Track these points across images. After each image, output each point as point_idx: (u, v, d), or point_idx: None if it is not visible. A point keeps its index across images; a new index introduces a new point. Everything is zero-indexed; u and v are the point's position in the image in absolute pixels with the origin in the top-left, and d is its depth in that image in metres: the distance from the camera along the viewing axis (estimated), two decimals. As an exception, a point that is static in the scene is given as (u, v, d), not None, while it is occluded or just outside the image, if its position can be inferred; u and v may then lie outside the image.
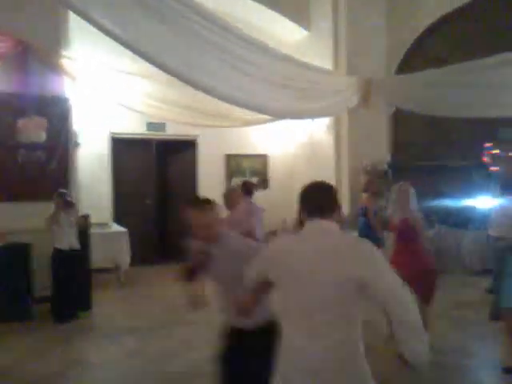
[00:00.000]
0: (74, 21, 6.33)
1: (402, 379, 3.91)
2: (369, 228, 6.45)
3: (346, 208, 8.84)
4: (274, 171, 10.22)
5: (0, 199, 6.39)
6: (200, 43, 3.87)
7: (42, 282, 6.17)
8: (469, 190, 8.37)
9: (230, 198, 5.49)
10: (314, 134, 9.66)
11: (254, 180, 9.48)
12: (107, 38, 3.42)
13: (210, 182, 9.63)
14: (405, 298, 1.91)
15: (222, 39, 3.99)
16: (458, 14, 8.55)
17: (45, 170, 6.66)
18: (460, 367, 4.38)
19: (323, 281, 1.94)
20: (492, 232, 6.31)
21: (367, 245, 2.01)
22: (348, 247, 2.03)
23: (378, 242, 5.23)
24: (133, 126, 9.01)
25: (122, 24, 3.36)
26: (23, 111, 6.37)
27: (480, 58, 5.21)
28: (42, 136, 6.48)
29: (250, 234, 4.61)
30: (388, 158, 9.02)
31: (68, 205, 5.89)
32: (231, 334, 2.60)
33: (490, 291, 6.13)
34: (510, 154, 8.58)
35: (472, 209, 8.28)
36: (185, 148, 9.94)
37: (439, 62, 6.95)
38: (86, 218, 6.51)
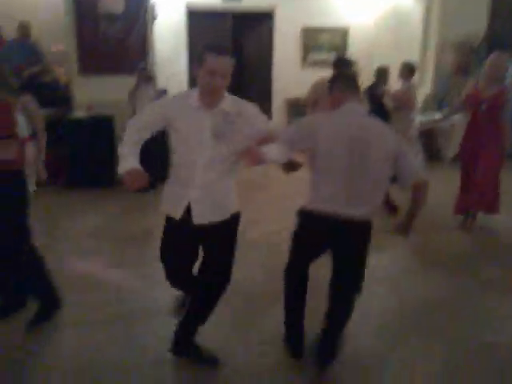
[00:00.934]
0: None
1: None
2: None
3: (428, 89, 8.34)
4: (354, 46, 9.62)
5: (84, 72, 6.66)
6: None
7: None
8: None
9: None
10: (399, 3, 8.82)
11: (332, 56, 9.02)
12: None
13: (287, 56, 9.34)
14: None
15: None
16: None
17: (124, 43, 6.75)
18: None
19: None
20: None
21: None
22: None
23: None
24: (208, -3, 8.70)
25: None
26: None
27: None
28: (120, 7, 6.45)
29: None
30: (484, 30, 8.13)
31: (148, 78, 6.03)
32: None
33: None
34: None
35: None
36: (261, 21, 9.51)
37: None
38: (163, 92, 6.66)
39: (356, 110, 2.49)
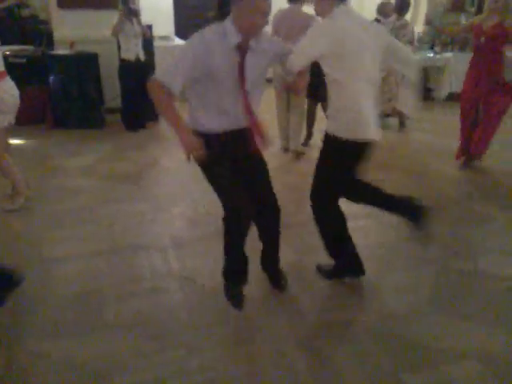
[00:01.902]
0: None
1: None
2: None
3: (420, 27, 8.12)
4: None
5: (64, 5, 6.31)
6: None
7: (110, 93, 6.39)
8: None
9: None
10: None
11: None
12: None
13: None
14: (414, 61, 2.68)
15: None
16: None
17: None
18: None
19: (373, 50, 2.42)
20: None
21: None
22: (375, 25, 2.71)
23: None
24: None
25: None
26: None
27: None
28: None
29: None
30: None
31: (133, 12, 5.72)
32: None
33: None
34: None
35: None
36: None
37: None
38: (149, 28, 6.38)
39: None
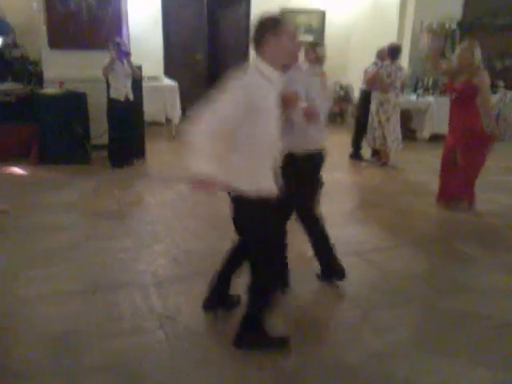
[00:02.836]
0: None
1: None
2: None
3: (405, 71, 8.38)
4: (331, 30, 9.59)
5: (55, 46, 6.43)
6: None
7: (97, 130, 6.43)
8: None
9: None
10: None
11: (309, 39, 8.98)
12: None
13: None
14: None
15: None
16: None
17: (97, 18, 6.54)
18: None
19: None
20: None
21: None
22: None
23: None
24: (183, -27, 8.50)
25: None
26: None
27: None
28: (92, -21, 6.25)
29: None
30: (458, 15, 8.21)
31: (123, 54, 5.83)
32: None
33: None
34: None
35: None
36: (238, 1, 9.39)
37: None
38: (139, 68, 6.49)
39: None
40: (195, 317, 2.78)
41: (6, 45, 6.82)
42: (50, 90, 6.26)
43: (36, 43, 6.80)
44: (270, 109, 2.26)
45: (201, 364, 2.43)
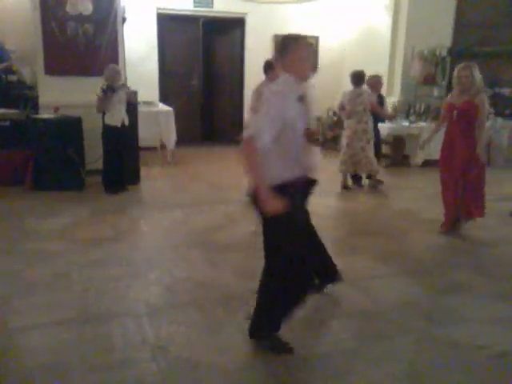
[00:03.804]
0: None
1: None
2: None
3: (396, 97, 8.52)
4: (324, 55, 9.76)
5: (51, 72, 6.50)
6: None
7: (92, 155, 6.45)
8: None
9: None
10: (368, 15, 9.01)
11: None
12: None
13: (257, 62, 9.35)
14: None
15: None
16: None
17: (93, 45, 6.62)
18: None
19: None
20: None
21: None
22: None
23: None
24: (179, 1, 8.66)
25: None
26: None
27: None
28: (89, 7, 6.36)
29: None
30: (449, 42, 8.39)
31: (115, 89, 5.85)
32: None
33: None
34: None
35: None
36: (232, 27, 9.55)
37: None
38: (134, 94, 6.56)
39: None
40: (188, 346, 2.74)
41: (3, 70, 6.89)
42: (45, 115, 6.30)
43: (33, 68, 6.88)
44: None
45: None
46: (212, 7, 8.92)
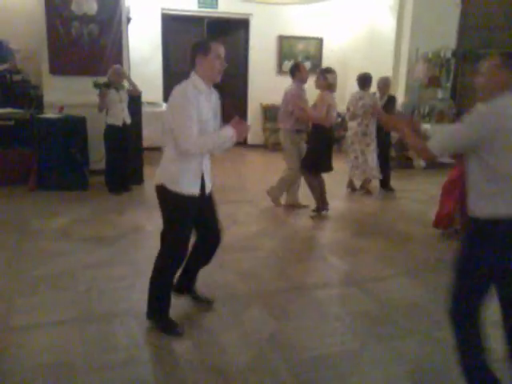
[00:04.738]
0: None
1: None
2: None
3: (400, 99, 8.49)
4: (328, 56, 9.75)
5: (56, 72, 6.51)
6: None
7: (96, 155, 6.45)
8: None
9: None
10: (373, 17, 9.00)
11: (307, 64, 9.11)
12: None
13: (262, 62, 9.38)
14: None
15: None
16: None
17: (98, 45, 6.64)
18: None
19: None
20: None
21: None
22: None
23: None
24: (184, 2, 8.67)
25: None
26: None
27: None
28: (94, 7, 6.37)
29: None
30: (454, 44, 8.36)
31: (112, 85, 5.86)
32: None
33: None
34: None
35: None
36: (237, 27, 9.55)
37: None
38: (139, 94, 6.53)
39: None
40: (191, 346, 2.73)
41: (8, 70, 6.90)
42: (49, 114, 6.31)
43: (37, 68, 6.90)
44: (200, 115, 2.75)
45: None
46: (216, 8, 8.93)
